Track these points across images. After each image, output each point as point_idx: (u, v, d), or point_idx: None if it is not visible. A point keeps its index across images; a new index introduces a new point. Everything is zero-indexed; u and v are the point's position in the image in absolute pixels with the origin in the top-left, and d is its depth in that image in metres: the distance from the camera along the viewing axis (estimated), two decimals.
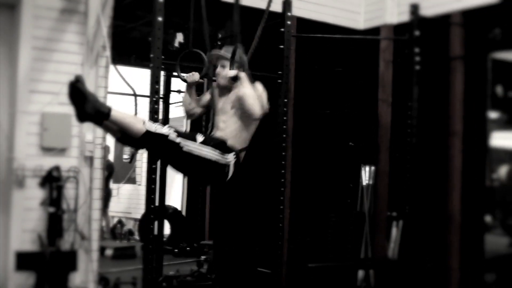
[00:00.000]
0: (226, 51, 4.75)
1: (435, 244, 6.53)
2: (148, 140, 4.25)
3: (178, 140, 4.29)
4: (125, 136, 4.26)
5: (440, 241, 6.50)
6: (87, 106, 4.03)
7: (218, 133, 4.67)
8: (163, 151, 4.45)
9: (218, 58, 4.77)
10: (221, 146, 4.50)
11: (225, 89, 4.79)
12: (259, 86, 4.67)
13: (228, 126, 4.65)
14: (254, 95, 4.53)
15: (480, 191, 6.36)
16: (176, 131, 4.35)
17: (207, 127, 5.06)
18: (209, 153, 4.41)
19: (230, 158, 4.53)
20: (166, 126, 4.36)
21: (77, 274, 5.40)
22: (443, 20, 6.51)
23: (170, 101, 7.53)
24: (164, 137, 4.25)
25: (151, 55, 5.17)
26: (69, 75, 5.34)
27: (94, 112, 4.05)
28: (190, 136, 4.43)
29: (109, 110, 4.10)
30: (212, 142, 4.48)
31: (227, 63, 4.68)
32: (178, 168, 4.75)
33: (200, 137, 4.42)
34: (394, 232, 6.65)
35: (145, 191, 5.28)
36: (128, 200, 11.94)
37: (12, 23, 5.36)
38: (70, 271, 5.31)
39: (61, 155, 5.40)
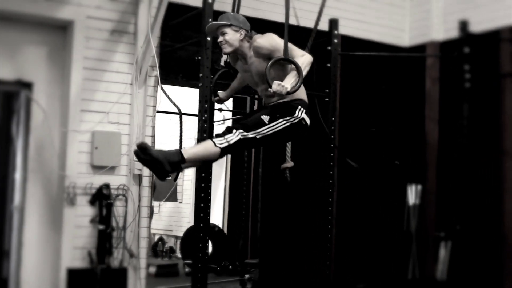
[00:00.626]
0: (221, 19, 4.68)
1: (486, 265, 6.40)
2: (227, 153, 4.40)
3: (250, 135, 4.37)
4: (206, 162, 4.52)
5: (492, 262, 6.37)
6: (162, 167, 4.13)
7: (273, 100, 4.63)
8: (242, 150, 4.44)
9: (218, 28, 4.66)
10: (286, 111, 4.49)
11: (240, 57, 4.75)
12: (268, 35, 4.61)
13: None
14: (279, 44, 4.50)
15: None
16: (243, 126, 4.40)
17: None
18: (281, 124, 4.45)
19: (300, 113, 4.52)
20: (232, 132, 4.38)
21: None
22: (492, 37, 6.44)
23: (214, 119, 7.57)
24: (238, 142, 4.34)
25: (200, 74, 5.21)
26: (119, 94, 5.48)
27: (170, 167, 4.15)
28: (256, 122, 4.45)
29: (181, 156, 4.19)
30: (278, 113, 4.47)
31: (227, 29, 4.60)
32: (261, 147, 4.83)
33: (265, 117, 4.45)
34: (443, 252, 6.57)
35: (194, 209, 5.29)
36: (169, 218, 11.97)
37: (64, 44, 5.45)
38: None
39: (111, 173, 5.46)
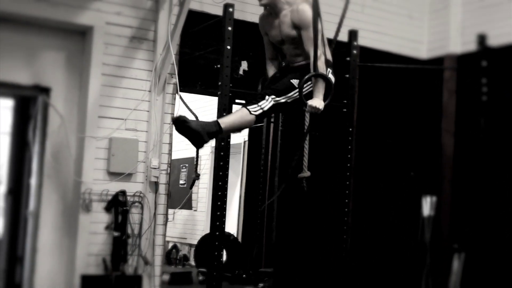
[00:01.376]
0: None
1: (501, 278, 6.38)
2: (262, 118, 4.59)
3: (282, 99, 4.50)
4: (242, 129, 4.63)
5: (507, 275, 6.34)
6: (201, 138, 4.24)
7: (298, 60, 4.72)
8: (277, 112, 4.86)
9: None
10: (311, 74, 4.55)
11: (272, 11, 4.76)
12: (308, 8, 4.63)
13: (301, 50, 4.67)
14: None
15: None
16: (274, 91, 4.52)
17: None
18: (310, 86, 4.55)
19: (328, 73, 4.59)
20: (265, 98, 4.50)
21: None
22: (510, 51, 6.42)
23: None
24: (272, 107, 4.49)
25: (219, 83, 5.23)
26: (137, 101, 5.49)
27: (208, 136, 4.27)
28: (286, 86, 4.56)
29: (218, 126, 4.31)
30: (305, 76, 4.51)
31: None
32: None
33: (294, 81, 4.55)
34: (456, 264, 6.54)
35: (210, 217, 5.29)
36: (184, 226, 11.98)
37: (83, 49, 5.47)
38: None
39: (127, 180, 5.46)
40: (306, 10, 4.57)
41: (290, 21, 4.62)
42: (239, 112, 4.47)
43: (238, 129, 4.54)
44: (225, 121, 4.39)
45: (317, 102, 4.45)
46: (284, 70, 4.84)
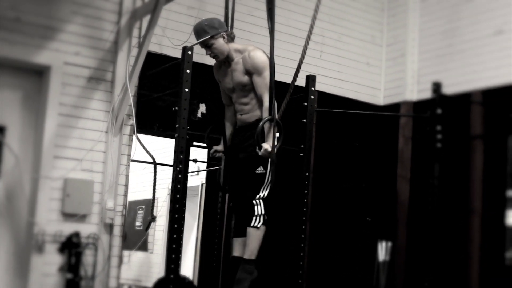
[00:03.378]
0: (198, 34, 4.80)
1: None
2: (268, 219, 4.94)
3: (266, 192, 4.87)
4: None
5: None
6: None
7: (246, 110, 4.88)
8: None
9: (201, 44, 4.86)
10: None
11: (225, 60, 4.89)
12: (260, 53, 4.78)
13: (249, 98, 4.81)
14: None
15: (499, 269, 6.28)
16: (253, 193, 4.85)
17: None
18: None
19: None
20: (255, 204, 4.85)
21: None
22: (464, 99, 6.57)
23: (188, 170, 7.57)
24: (266, 202, 4.89)
25: (177, 125, 5.22)
26: (94, 142, 5.46)
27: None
28: (256, 181, 4.90)
29: (253, 264, 4.94)
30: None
31: (211, 41, 4.78)
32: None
33: (259, 169, 4.80)
34: None
35: (165, 260, 5.24)
36: (139, 268, 11.83)
37: (40, 89, 5.44)
38: None
39: (82, 221, 5.40)
40: (259, 56, 4.67)
41: (243, 68, 4.71)
42: (251, 237, 4.77)
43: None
44: (254, 253, 4.80)
45: (269, 145, 4.55)
46: (239, 133, 4.93)
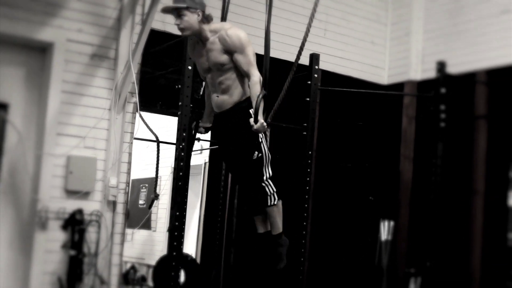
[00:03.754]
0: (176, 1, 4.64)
1: None
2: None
3: (268, 171, 4.84)
4: None
5: None
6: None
7: (222, 97, 4.75)
8: None
9: (173, 10, 4.65)
10: (246, 123, 4.65)
11: (198, 40, 4.74)
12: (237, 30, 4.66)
13: (225, 77, 4.70)
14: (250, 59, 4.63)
15: (501, 251, 6.29)
16: (259, 175, 4.81)
17: None
18: (261, 141, 4.81)
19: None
20: (263, 185, 4.83)
21: None
22: (468, 79, 6.54)
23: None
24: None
25: (180, 103, 5.22)
26: (97, 119, 5.45)
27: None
28: (257, 165, 4.81)
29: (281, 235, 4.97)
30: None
31: (183, 11, 4.55)
32: None
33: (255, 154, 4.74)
34: None
35: (168, 238, 5.26)
36: (142, 246, 11.87)
37: (43, 66, 5.42)
38: None
39: (85, 199, 5.41)
40: (238, 33, 4.57)
41: (220, 47, 4.57)
42: (272, 215, 4.88)
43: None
44: (279, 227, 4.91)
45: (259, 118, 4.54)
46: (219, 122, 4.92)
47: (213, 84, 4.74)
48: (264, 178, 4.73)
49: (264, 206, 4.86)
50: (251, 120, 4.53)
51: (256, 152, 4.68)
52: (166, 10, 4.69)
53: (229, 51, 4.57)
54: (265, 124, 4.56)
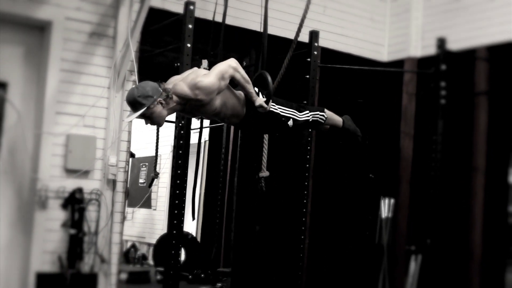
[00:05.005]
0: (132, 105, 4.25)
1: (454, 279, 6.47)
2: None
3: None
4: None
5: (460, 276, 6.43)
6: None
7: (232, 119, 4.68)
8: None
9: (141, 116, 4.29)
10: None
11: (177, 110, 4.45)
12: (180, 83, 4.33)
13: (225, 106, 4.48)
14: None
15: (502, 228, 6.31)
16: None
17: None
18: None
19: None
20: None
21: None
22: (469, 55, 6.51)
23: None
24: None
25: None
26: (96, 98, 5.44)
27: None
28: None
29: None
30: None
31: (147, 111, 4.18)
32: None
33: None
34: (413, 266, 6.60)
35: (168, 216, 5.26)
36: (142, 225, 11.92)
37: (41, 44, 5.40)
38: None
39: (84, 178, 5.41)
40: (179, 84, 4.27)
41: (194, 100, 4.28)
42: (329, 122, 5.11)
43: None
44: (337, 119, 5.17)
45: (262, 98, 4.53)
46: (244, 125, 4.86)
47: (220, 116, 4.59)
48: (303, 118, 4.74)
49: (321, 125, 5.07)
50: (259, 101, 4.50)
51: (289, 122, 4.68)
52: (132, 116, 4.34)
53: (202, 93, 4.30)
54: (263, 103, 4.49)
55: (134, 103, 4.17)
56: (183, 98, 4.23)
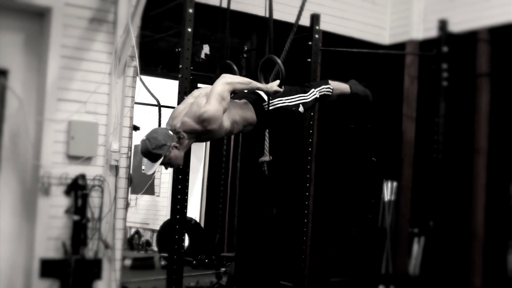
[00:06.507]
0: (148, 156, 4.14)
1: (457, 261, 6.48)
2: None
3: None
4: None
5: (462, 258, 6.45)
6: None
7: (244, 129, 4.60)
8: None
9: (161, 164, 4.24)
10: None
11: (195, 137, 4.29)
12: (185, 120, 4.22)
13: (241, 120, 4.45)
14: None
15: (504, 209, 6.31)
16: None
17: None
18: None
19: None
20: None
21: (100, 283, 5.40)
22: (470, 37, 6.49)
23: None
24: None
25: (180, 66, 5.19)
26: (97, 84, 5.43)
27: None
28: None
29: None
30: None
31: (165, 159, 4.10)
32: None
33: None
34: (416, 248, 6.62)
35: (171, 201, 5.27)
36: (146, 211, 11.93)
37: (41, 31, 5.38)
38: (95, 279, 5.30)
39: (87, 164, 5.41)
40: (186, 122, 4.26)
41: (196, 123, 4.24)
42: (337, 92, 4.97)
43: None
44: (345, 87, 5.05)
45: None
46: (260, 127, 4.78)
47: (234, 132, 4.56)
48: (311, 98, 4.70)
49: (328, 98, 4.97)
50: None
51: (300, 109, 4.63)
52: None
53: (208, 122, 4.19)
54: (277, 87, 4.42)
55: (151, 157, 4.11)
56: (193, 133, 4.19)
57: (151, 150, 4.04)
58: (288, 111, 4.59)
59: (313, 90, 4.75)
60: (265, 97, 4.48)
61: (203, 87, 4.56)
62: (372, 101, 5.11)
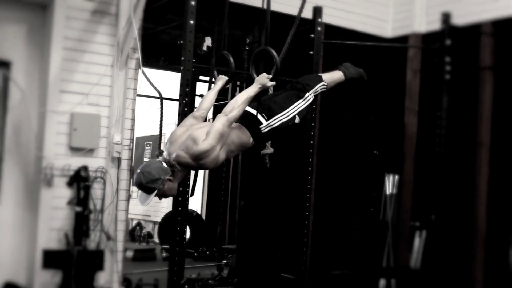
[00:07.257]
0: (143, 189, 4.07)
1: (459, 255, 6.49)
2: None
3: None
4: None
5: (464, 252, 6.45)
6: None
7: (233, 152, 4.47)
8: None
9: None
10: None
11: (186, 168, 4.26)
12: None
13: (236, 147, 4.37)
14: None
15: (506, 204, 6.30)
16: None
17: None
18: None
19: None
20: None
21: (102, 274, 5.42)
22: (474, 30, 6.48)
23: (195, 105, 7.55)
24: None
25: (182, 58, 5.19)
26: (99, 76, 5.44)
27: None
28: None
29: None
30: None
31: (158, 192, 4.05)
32: None
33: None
34: (417, 242, 6.62)
35: None
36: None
37: (44, 23, 5.39)
38: (97, 270, 5.33)
39: (89, 156, 5.43)
40: (182, 157, 4.23)
41: (191, 160, 4.20)
42: (331, 84, 4.96)
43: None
44: (338, 76, 5.05)
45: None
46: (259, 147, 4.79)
47: (230, 158, 4.55)
48: (308, 102, 4.63)
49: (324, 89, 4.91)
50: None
51: (296, 121, 4.55)
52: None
53: (202, 155, 4.19)
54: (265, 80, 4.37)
55: (145, 189, 4.05)
56: (188, 167, 4.15)
57: (145, 184, 3.99)
58: (284, 128, 4.52)
59: (307, 94, 4.63)
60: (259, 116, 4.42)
61: (204, 102, 4.63)
62: (367, 81, 5.13)
